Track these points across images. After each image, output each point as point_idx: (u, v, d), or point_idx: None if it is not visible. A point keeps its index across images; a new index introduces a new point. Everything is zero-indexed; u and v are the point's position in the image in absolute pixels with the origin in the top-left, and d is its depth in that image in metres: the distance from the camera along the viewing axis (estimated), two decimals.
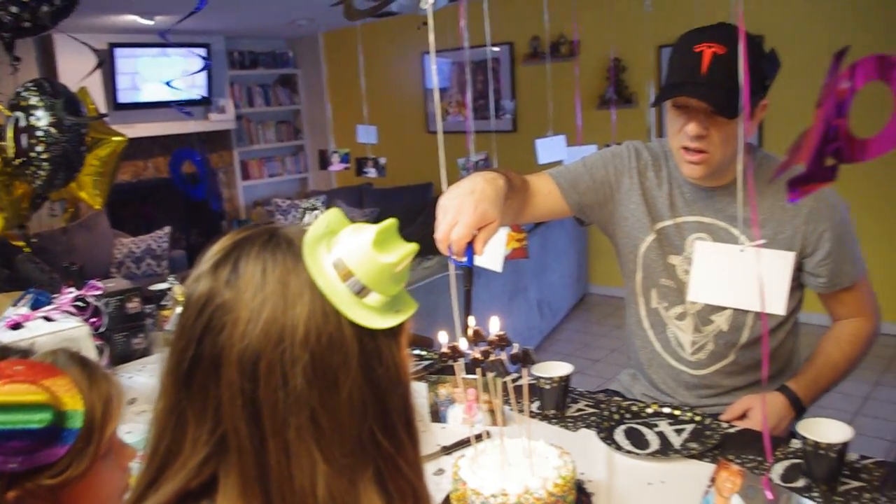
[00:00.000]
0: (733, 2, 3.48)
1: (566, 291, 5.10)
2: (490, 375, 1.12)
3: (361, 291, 0.68)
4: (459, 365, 1.20)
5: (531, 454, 1.18)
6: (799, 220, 1.48)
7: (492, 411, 1.51)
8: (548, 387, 1.52)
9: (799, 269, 1.53)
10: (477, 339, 1.14)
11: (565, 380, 1.51)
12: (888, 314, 1.72)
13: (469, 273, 1.26)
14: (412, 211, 5.16)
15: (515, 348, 1.13)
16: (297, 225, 0.72)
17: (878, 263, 3.05)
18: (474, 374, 1.17)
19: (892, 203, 4.21)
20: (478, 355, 1.12)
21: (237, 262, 0.67)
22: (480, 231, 1.26)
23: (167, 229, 5.54)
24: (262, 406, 0.64)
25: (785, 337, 1.62)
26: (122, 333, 2.02)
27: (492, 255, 1.67)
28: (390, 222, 0.71)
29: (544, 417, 1.54)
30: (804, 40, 4.14)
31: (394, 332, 0.69)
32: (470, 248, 1.25)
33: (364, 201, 6.03)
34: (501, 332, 1.14)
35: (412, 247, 0.71)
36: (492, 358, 1.11)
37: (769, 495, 1.03)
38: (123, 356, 2.01)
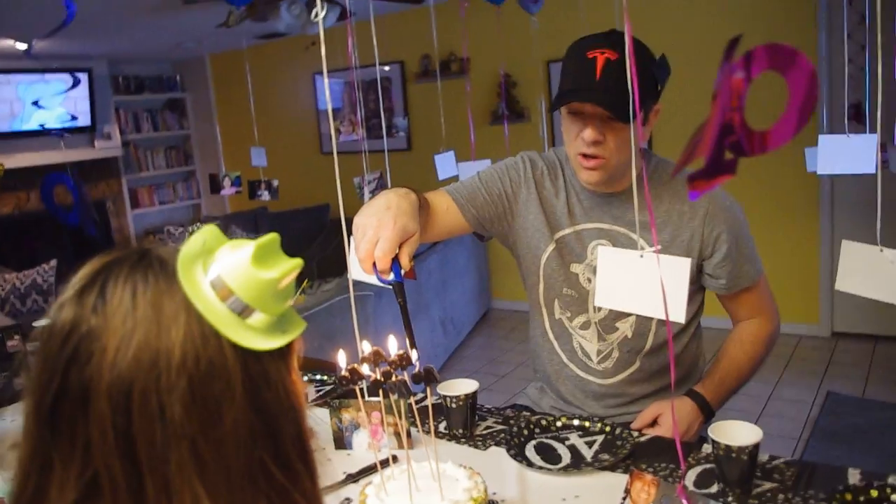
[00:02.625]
0: (617, 12, 3.57)
1: (469, 307, 5.08)
2: (393, 397, 1.04)
3: (244, 311, 0.63)
4: (360, 388, 1.12)
5: (440, 477, 1.11)
6: (696, 222, 1.49)
7: (398, 434, 1.44)
8: (454, 405, 1.45)
9: (699, 272, 1.53)
10: (377, 359, 1.07)
11: (471, 397, 1.46)
12: (786, 315, 1.76)
13: (400, 287, 1.21)
14: (310, 233, 5.04)
15: (417, 367, 1.07)
16: (171, 245, 0.66)
17: (773, 264, 3.17)
18: (377, 396, 1.10)
19: (781, 203, 4.38)
20: (379, 377, 1.04)
21: (104, 285, 0.61)
22: (402, 245, 1.22)
23: (53, 262, 5.17)
24: (137, 440, 0.58)
25: (688, 341, 1.62)
26: (2, 374, 1.83)
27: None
28: (271, 237, 0.66)
29: (452, 437, 1.47)
30: (690, 43, 4.28)
31: (282, 353, 0.65)
32: (396, 264, 1.21)
33: (259, 226, 5.85)
34: (401, 352, 1.07)
35: (295, 262, 0.66)
36: (393, 378, 1.04)
37: (685, 503, 1.00)
38: (3, 398, 1.82)
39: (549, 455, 1.36)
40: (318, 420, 1.55)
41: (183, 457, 0.58)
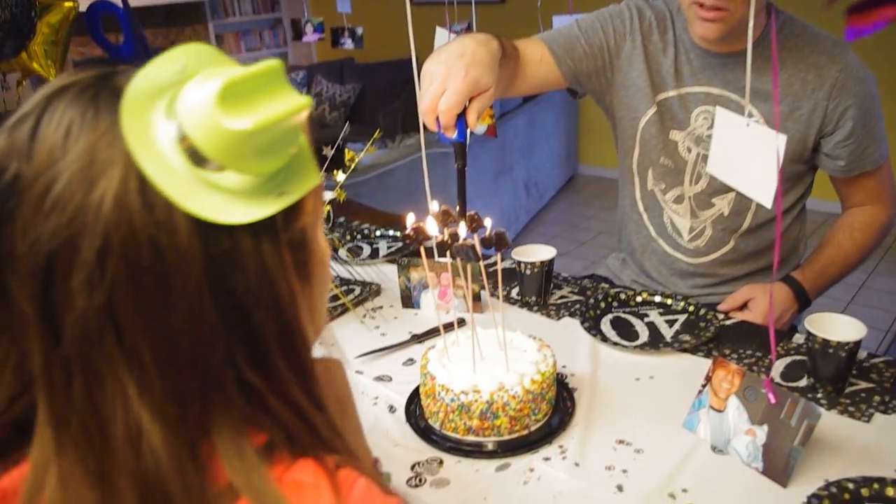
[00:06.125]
0: None
1: (554, 171, 4.92)
2: (460, 260, 0.97)
3: (208, 168, 0.47)
4: (426, 248, 1.06)
5: (506, 346, 1.05)
6: (820, 94, 1.30)
7: (465, 297, 1.38)
8: (528, 272, 1.38)
9: (814, 150, 1.37)
10: (446, 220, 0.99)
11: (547, 265, 1.38)
12: None
13: (462, 149, 1.10)
14: (395, 86, 4.89)
15: (488, 231, 0.98)
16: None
17: None
18: (445, 257, 1.03)
19: None
20: (446, 238, 0.97)
21: (40, 118, 0.47)
22: (473, 101, 1.10)
23: None
24: (61, 324, 0.46)
25: (791, 223, 1.48)
26: None
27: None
28: (263, 67, 0.47)
29: (524, 304, 1.41)
30: None
31: (271, 225, 0.49)
32: (461, 121, 1.09)
33: (345, 77, 5.72)
34: (472, 213, 0.99)
35: (294, 104, 0.48)
36: (461, 241, 0.96)
37: (772, 398, 0.91)
38: None
39: (625, 331, 1.29)
40: (386, 277, 1.52)
41: (111, 350, 0.46)
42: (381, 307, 1.46)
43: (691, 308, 1.33)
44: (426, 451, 1.03)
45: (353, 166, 1.41)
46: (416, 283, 1.42)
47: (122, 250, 0.45)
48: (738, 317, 1.34)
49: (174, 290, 0.46)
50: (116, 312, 0.45)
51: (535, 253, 1.40)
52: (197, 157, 0.46)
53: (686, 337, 1.25)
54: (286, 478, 0.49)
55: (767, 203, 0.94)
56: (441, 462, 1.00)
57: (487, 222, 0.99)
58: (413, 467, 1.00)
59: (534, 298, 1.40)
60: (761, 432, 0.92)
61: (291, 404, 0.51)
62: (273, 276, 0.49)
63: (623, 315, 1.34)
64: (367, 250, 1.72)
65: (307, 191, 0.51)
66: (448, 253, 1.01)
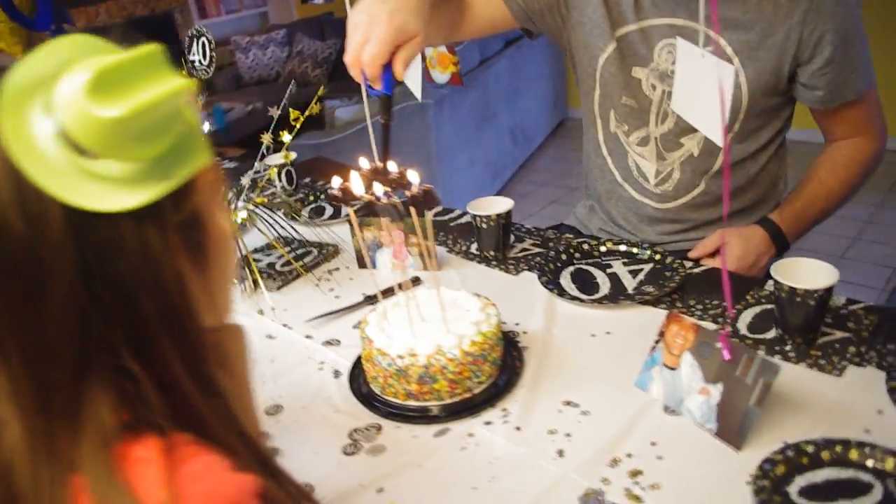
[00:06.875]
0: None
1: (542, 117, 4.80)
2: (385, 219, 0.89)
3: (87, 156, 0.48)
4: (354, 209, 0.98)
5: (447, 307, 0.98)
6: (794, 19, 1.20)
7: (422, 255, 1.31)
8: (484, 226, 1.30)
9: (790, 80, 1.26)
10: (373, 178, 0.91)
11: (504, 217, 1.29)
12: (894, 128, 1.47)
13: (387, 101, 1.02)
14: None
15: (415, 189, 0.90)
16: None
17: (887, 70, 2.70)
18: (372, 216, 0.96)
19: None
20: (372, 197, 0.89)
21: None
22: (399, 49, 1.02)
23: None
24: None
25: (767, 161, 1.38)
26: None
27: (411, 80, 1.40)
28: (129, 55, 0.48)
29: (483, 259, 1.34)
30: None
31: (158, 209, 0.49)
32: (388, 72, 1.02)
33: (325, 33, 5.55)
34: (401, 170, 0.91)
35: (164, 90, 0.48)
36: (385, 201, 0.88)
37: (726, 354, 0.84)
38: None
39: (586, 284, 1.21)
40: (339, 239, 1.44)
41: None
42: (337, 269, 1.38)
43: (658, 257, 1.25)
44: (366, 418, 0.97)
45: (297, 126, 1.33)
46: (370, 242, 1.34)
47: None
48: (709, 264, 1.26)
49: (45, 284, 0.47)
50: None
51: (492, 206, 1.31)
52: (77, 148, 0.47)
53: (649, 288, 1.17)
54: (130, 453, 0.48)
55: (718, 140, 0.85)
56: (380, 428, 0.95)
57: (414, 178, 0.91)
58: (350, 434, 0.94)
59: (492, 253, 1.33)
60: (716, 391, 0.85)
61: (172, 386, 0.51)
62: (158, 260, 0.50)
63: (585, 267, 1.27)
64: (329, 211, 1.64)
65: (192, 172, 0.52)
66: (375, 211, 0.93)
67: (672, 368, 0.90)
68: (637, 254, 1.28)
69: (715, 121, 0.87)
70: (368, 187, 0.90)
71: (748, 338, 1.02)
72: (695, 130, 1.29)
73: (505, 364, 1.01)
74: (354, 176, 0.90)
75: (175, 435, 0.50)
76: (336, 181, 0.92)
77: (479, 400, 0.95)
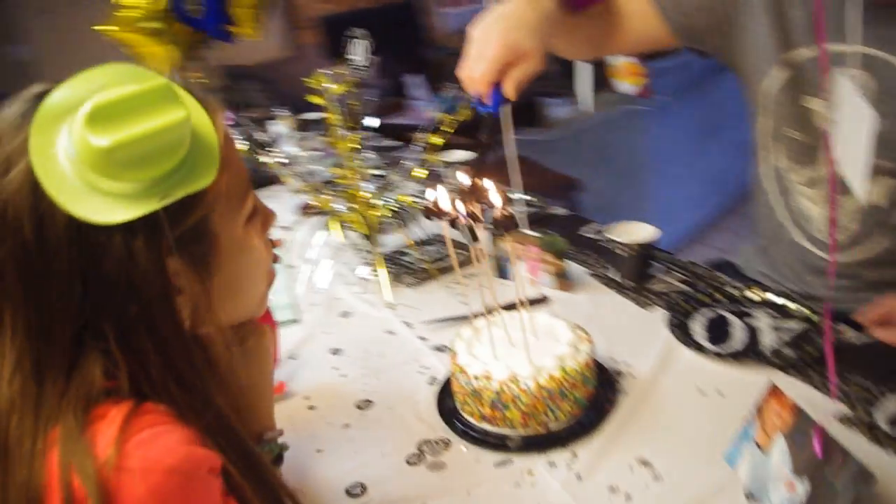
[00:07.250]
0: None
1: None
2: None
3: (92, 172, 0.55)
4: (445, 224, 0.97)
5: (536, 335, 0.94)
6: None
7: (557, 275, 1.27)
8: (624, 254, 1.23)
9: None
10: (461, 195, 0.90)
11: (646, 248, 1.21)
12: None
13: (489, 122, 1.02)
14: None
15: (497, 212, 0.87)
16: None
17: None
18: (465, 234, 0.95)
19: None
20: (456, 214, 0.88)
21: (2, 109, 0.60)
22: (512, 69, 1.00)
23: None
24: None
25: None
26: None
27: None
28: (133, 90, 0.55)
29: (619, 286, 1.26)
30: None
31: (152, 223, 0.56)
32: (497, 91, 1.00)
33: None
34: (491, 190, 0.89)
35: (155, 125, 0.55)
36: (463, 220, 0.87)
37: (817, 450, 0.72)
38: None
39: (719, 332, 1.10)
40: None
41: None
42: (474, 275, 1.38)
43: (815, 318, 1.10)
44: (440, 430, 0.97)
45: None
46: (507, 254, 1.33)
47: (13, 230, 0.55)
48: (876, 335, 1.09)
49: (48, 275, 0.55)
50: (4, 279, 0.56)
51: (635, 232, 1.24)
52: (85, 166, 0.55)
53: (788, 351, 1.04)
54: (105, 413, 0.55)
55: (858, 192, 0.73)
56: (448, 444, 0.94)
57: (497, 201, 0.88)
58: (419, 444, 0.94)
59: (629, 283, 1.25)
60: (801, 488, 0.73)
61: (146, 376, 0.58)
62: (142, 269, 0.56)
63: (723, 313, 1.15)
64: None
65: (190, 192, 0.57)
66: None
67: (762, 448, 0.79)
68: (794, 310, 1.13)
69: (853, 167, 0.74)
70: (457, 203, 0.89)
71: (889, 436, 0.87)
72: (876, 175, 1.11)
73: (594, 404, 0.95)
74: (441, 190, 0.89)
75: (149, 405, 0.56)
76: (430, 195, 0.92)
77: (552, 438, 0.91)
